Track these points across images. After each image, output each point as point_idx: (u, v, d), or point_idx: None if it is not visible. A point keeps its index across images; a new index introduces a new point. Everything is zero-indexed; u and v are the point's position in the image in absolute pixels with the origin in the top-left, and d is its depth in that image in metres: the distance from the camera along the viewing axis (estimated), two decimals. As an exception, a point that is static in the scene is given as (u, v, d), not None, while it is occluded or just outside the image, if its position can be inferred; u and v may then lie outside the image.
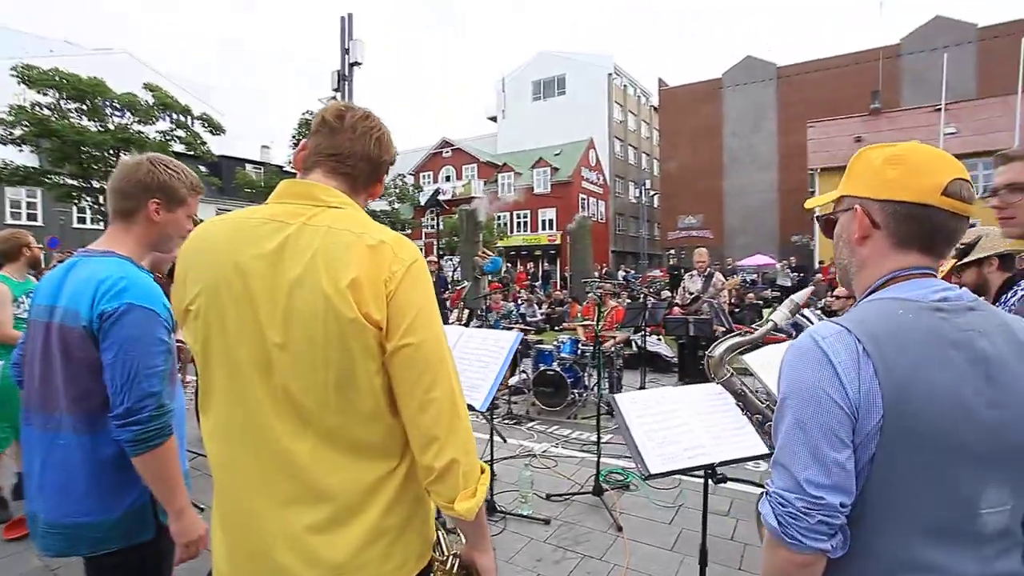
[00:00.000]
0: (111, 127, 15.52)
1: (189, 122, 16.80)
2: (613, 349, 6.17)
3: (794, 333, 5.16)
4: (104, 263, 1.33)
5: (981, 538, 0.77)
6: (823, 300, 8.46)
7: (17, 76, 13.77)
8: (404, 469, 0.96)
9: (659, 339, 8.60)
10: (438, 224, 19.15)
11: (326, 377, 0.88)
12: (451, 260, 15.96)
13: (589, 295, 7.23)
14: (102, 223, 17.36)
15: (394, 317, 0.88)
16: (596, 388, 4.62)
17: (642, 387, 6.37)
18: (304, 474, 0.90)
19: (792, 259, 18.69)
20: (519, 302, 12.23)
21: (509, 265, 18.85)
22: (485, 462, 1.01)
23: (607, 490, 3.68)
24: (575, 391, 5.85)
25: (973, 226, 1.97)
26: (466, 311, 7.97)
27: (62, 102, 14.75)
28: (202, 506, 2.60)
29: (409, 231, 24.17)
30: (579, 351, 6.17)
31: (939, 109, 18.69)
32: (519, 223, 33.90)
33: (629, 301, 8.69)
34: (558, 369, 5.79)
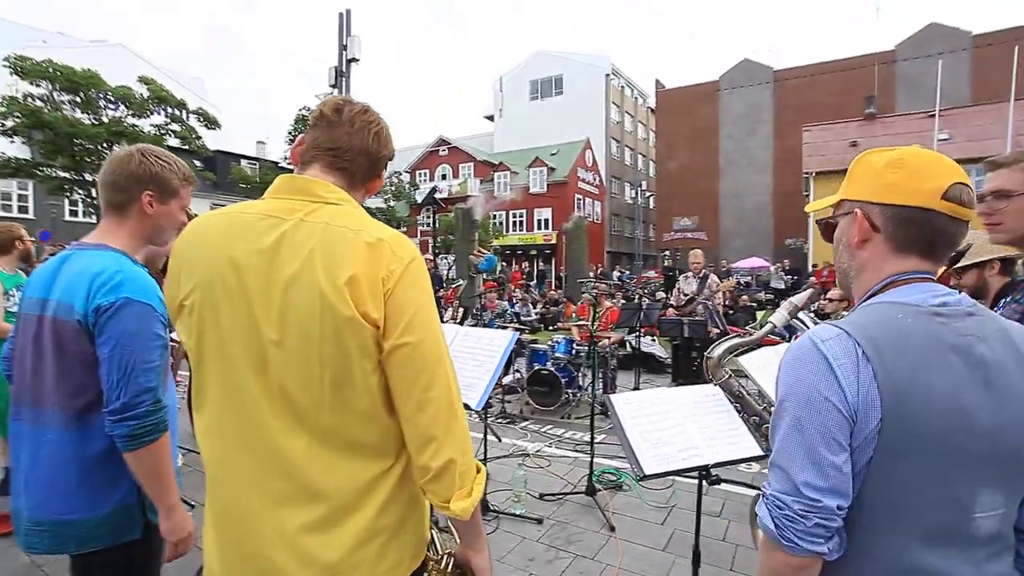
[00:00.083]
0: (105, 120, 15.31)
1: (184, 116, 16.64)
2: (608, 349, 6.18)
3: (788, 336, 5.19)
4: (98, 256, 1.31)
5: (974, 541, 0.78)
6: (816, 303, 8.50)
7: (10, 67, 13.56)
8: (400, 469, 0.95)
9: (653, 340, 8.63)
10: (434, 222, 19.07)
11: (322, 375, 0.87)
12: (446, 258, 15.92)
13: (584, 295, 7.24)
14: (94, 216, 17.23)
15: (392, 315, 0.87)
16: (590, 388, 4.63)
17: (636, 388, 6.39)
18: (299, 473, 0.89)
19: (786, 262, 18.81)
20: (514, 301, 12.22)
21: (504, 264, 18.83)
22: (479, 461, 1.00)
23: (600, 490, 3.69)
24: (569, 391, 5.85)
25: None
26: (461, 309, 7.95)
27: (55, 94, 14.53)
28: (193, 503, 2.58)
29: (405, 229, 24.10)
30: (573, 351, 6.17)
31: (933, 115, 18.80)
32: (515, 222, 33.86)
33: (624, 302, 8.71)
34: (552, 369, 5.80)
